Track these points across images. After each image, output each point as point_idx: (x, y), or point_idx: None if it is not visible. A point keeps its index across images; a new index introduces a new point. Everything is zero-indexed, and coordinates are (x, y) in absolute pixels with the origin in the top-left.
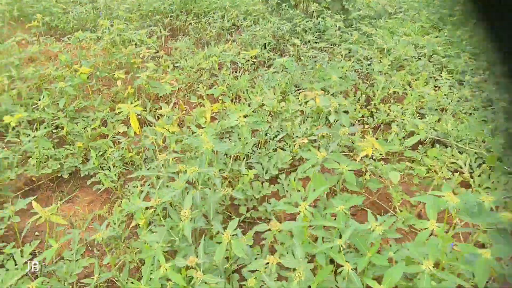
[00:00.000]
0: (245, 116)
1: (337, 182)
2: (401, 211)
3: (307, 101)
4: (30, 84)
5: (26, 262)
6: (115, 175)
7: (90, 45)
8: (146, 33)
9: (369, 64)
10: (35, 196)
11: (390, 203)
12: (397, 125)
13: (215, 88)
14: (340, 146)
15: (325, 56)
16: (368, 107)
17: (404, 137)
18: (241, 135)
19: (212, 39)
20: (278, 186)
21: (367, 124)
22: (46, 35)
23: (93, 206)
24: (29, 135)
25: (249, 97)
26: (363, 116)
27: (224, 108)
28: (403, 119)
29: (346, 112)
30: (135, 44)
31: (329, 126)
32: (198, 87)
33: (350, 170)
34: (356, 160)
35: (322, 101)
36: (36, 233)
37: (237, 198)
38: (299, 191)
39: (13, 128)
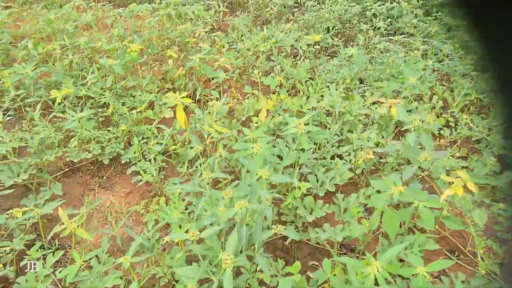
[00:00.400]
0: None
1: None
2: (483, 259)
3: (374, 103)
4: (82, 55)
5: (47, 275)
6: (155, 169)
7: (145, 16)
8: (203, 7)
9: (449, 62)
10: (73, 179)
11: (465, 239)
12: (487, 147)
13: (272, 78)
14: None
15: (400, 50)
16: (444, 115)
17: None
18: (298, 145)
19: (272, 17)
20: (334, 208)
21: (442, 137)
22: (104, 1)
23: (130, 198)
24: (73, 115)
25: (307, 89)
26: (440, 130)
27: (279, 101)
28: (489, 136)
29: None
30: (191, 19)
31: (399, 133)
32: (252, 72)
33: (428, 207)
34: (436, 191)
35: (401, 114)
36: None
37: (289, 236)
38: (360, 219)
39: (60, 103)
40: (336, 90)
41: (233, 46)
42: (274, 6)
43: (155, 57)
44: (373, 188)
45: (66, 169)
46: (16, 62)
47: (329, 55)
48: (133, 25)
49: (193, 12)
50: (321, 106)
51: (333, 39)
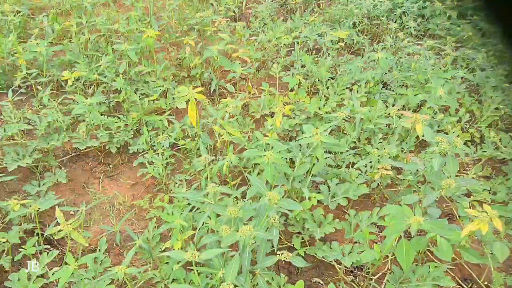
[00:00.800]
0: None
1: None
2: None
3: (398, 108)
4: (99, 35)
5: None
6: (162, 164)
7: None
8: None
9: (481, 72)
10: (79, 165)
11: (480, 268)
12: None
13: (291, 76)
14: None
15: (429, 55)
16: (470, 130)
17: None
18: (312, 156)
19: (297, 7)
20: (345, 224)
21: (466, 154)
22: None
23: (135, 190)
24: (83, 101)
25: (327, 90)
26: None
27: (297, 100)
28: None
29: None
30: (211, 4)
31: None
32: (272, 66)
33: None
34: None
35: (427, 134)
36: (72, 212)
37: (296, 265)
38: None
39: (71, 85)
40: (357, 92)
41: (253, 37)
42: None
43: (173, 41)
44: (389, 212)
45: (73, 154)
46: (33, 32)
47: (353, 53)
48: (152, 8)
49: None
50: (339, 116)
51: (358, 36)
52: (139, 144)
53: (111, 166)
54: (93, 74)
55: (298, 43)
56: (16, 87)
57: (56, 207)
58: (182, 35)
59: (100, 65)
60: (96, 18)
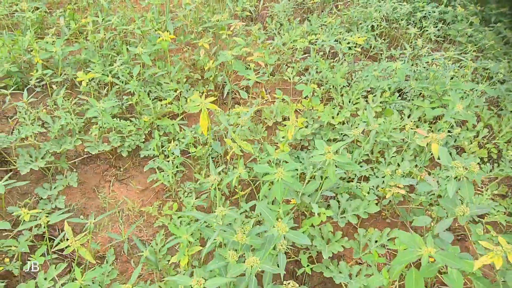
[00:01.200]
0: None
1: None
2: None
3: (413, 120)
4: (114, 33)
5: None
6: (172, 172)
7: None
8: None
9: (502, 83)
10: (91, 168)
11: None
12: None
13: (305, 84)
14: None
15: (448, 66)
16: (488, 145)
17: None
18: (324, 173)
19: (315, 7)
20: (353, 243)
21: (481, 169)
22: None
23: (144, 196)
24: (95, 105)
25: (341, 98)
26: (480, 161)
27: (310, 108)
28: None
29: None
30: (227, 4)
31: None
32: (286, 70)
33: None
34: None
35: (443, 156)
36: (81, 216)
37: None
38: (380, 265)
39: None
40: (372, 102)
41: (268, 40)
42: None
43: (188, 41)
44: (400, 239)
45: (85, 156)
46: (49, 32)
47: (369, 58)
48: (168, 8)
49: None
50: (354, 134)
51: (376, 40)
52: (149, 149)
53: (122, 169)
54: (107, 76)
55: (314, 49)
56: (31, 86)
57: (65, 221)
58: (197, 37)
59: (114, 67)
60: (112, 17)
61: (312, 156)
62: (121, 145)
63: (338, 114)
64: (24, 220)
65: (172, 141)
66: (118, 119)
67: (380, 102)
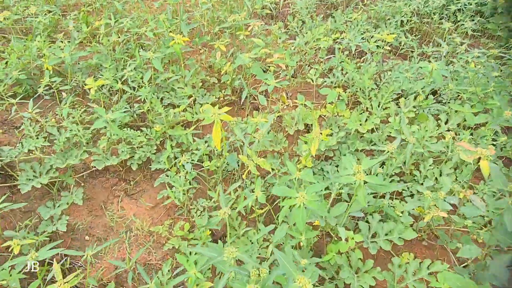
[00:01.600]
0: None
1: None
2: None
3: (450, 128)
4: (127, 37)
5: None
6: (183, 190)
7: None
8: None
9: None
10: (99, 181)
11: None
12: None
13: (330, 88)
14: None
15: (493, 66)
16: None
17: None
18: (353, 196)
19: (340, 2)
20: (387, 275)
21: None
22: None
23: (155, 213)
24: (102, 116)
25: (369, 102)
26: None
27: (334, 114)
28: None
29: None
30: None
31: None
32: (309, 71)
33: None
34: None
35: (495, 176)
36: (86, 237)
37: None
38: None
39: (94, 94)
40: (404, 106)
41: (290, 40)
42: None
43: (205, 42)
44: (445, 279)
45: (94, 169)
46: (58, 36)
47: (399, 56)
48: (182, 10)
49: None
50: (388, 150)
51: (406, 37)
52: (161, 161)
53: (132, 183)
54: (117, 83)
55: (339, 48)
56: (41, 93)
57: (54, 260)
58: (214, 38)
59: (125, 73)
60: (125, 20)
61: (340, 176)
62: (131, 157)
63: (366, 120)
64: (14, 253)
65: (184, 153)
66: (128, 128)
67: (413, 107)
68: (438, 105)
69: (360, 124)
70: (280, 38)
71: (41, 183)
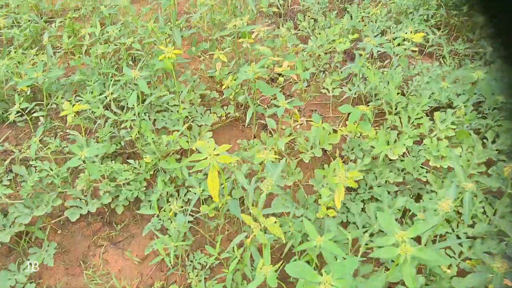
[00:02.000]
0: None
1: None
2: None
3: (498, 148)
4: (114, 48)
5: None
6: (175, 248)
7: None
8: None
9: None
10: (79, 228)
11: None
12: None
13: (351, 105)
14: None
15: None
16: None
17: None
18: (393, 264)
19: None
20: None
21: None
22: None
23: (144, 268)
24: (78, 154)
25: (397, 116)
26: None
27: (357, 135)
28: None
29: None
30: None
31: None
32: (324, 80)
33: None
34: None
35: None
36: None
37: None
38: None
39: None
40: (440, 123)
41: (301, 44)
42: None
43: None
44: None
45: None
46: (31, 52)
47: (426, 56)
48: (175, 16)
49: None
50: (443, 209)
51: (434, 33)
52: (151, 202)
53: (118, 227)
54: (99, 108)
55: (360, 55)
56: (11, 122)
57: None
58: (214, 43)
59: (106, 95)
60: (111, 28)
61: (378, 248)
62: (116, 197)
63: (395, 141)
64: None
65: (179, 191)
66: (114, 160)
67: (451, 123)
68: (481, 120)
69: (388, 144)
70: (289, 42)
71: (1, 242)
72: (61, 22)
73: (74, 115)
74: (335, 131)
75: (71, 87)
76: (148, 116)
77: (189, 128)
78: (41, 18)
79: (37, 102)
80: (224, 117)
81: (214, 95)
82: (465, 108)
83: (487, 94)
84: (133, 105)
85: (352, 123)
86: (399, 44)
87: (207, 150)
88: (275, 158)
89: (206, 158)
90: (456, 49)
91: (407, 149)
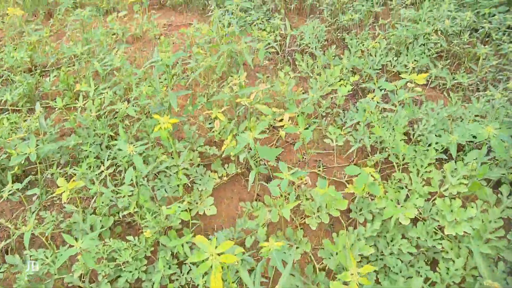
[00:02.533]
0: None
1: None
2: None
3: None
4: (109, 110)
5: None
6: None
7: (197, 37)
8: (265, 14)
9: None
10: None
11: None
12: None
13: (358, 165)
14: None
15: None
16: None
17: None
18: None
19: (352, 25)
20: None
21: None
22: (152, 5)
23: None
24: (72, 244)
25: (406, 167)
26: None
27: (365, 195)
28: None
29: None
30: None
31: None
32: (327, 128)
33: None
34: None
35: None
36: None
37: None
38: None
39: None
40: (452, 176)
41: (301, 81)
42: (356, 13)
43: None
44: None
45: None
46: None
47: (430, 90)
48: (170, 78)
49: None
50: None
51: (435, 66)
52: (152, 281)
53: None
54: (93, 185)
55: (364, 110)
56: (4, 199)
57: None
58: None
59: (100, 171)
60: (104, 86)
61: None
62: (116, 279)
63: (406, 200)
64: None
65: (179, 274)
66: (112, 237)
67: (463, 177)
68: (496, 170)
69: (398, 203)
70: (289, 86)
71: None
72: (55, 76)
73: (68, 195)
74: (341, 186)
75: (67, 151)
76: (147, 179)
77: (189, 191)
78: (36, 70)
79: (32, 168)
80: (225, 177)
81: (214, 151)
82: (477, 164)
83: (501, 153)
84: (130, 180)
85: (360, 187)
86: (403, 86)
87: (208, 248)
88: (281, 246)
89: (208, 258)
90: (462, 82)
91: (419, 210)
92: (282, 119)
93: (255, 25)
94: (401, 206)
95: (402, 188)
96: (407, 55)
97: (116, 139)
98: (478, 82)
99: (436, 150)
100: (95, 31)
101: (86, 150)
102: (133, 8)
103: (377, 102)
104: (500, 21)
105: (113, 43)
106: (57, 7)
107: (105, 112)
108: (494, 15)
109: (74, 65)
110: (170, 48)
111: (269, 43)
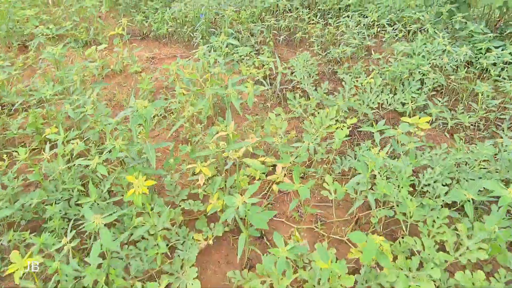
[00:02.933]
0: None
1: None
2: None
3: None
4: (79, 155)
5: None
6: None
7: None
8: (253, 47)
9: None
10: None
11: None
12: None
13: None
14: None
15: None
16: None
17: None
18: None
19: (344, 59)
20: None
21: None
22: (134, 37)
23: None
24: None
25: (417, 233)
26: None
27: (372, 264)
28: None
29: None
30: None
31: None
32: (324, 178)
33: None
34: None
35: None
36: None
37: None
38: None
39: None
40: (468, 239)
41: (294, 119)
42: (347, 46)
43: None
44: None
45: None
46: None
47: (431, 130)
48: (147, 131)
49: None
50: None
51: (435, 104)
52: None
53: None
54: (53, 262)
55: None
56: None
57: None
58: (194, 149)
59: (62, 245)
60: (73, 135)
61: None
62: None
63: (418, 269)
64: None
65: None
66: None
67: (482, 241)
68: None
69: (410, 271)
70: (281, 129)
71: None
72: (23, 118)
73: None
74: (343, 246)
75: (30, 209)
76: (120, 247)
77: (170, 257)
78: (3, 109)
79: None
80: (211, 240)
81: (199, 206)
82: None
83: (504, 263)
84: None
85: (368, 259)
86: (405, 130)
87: None
88: None
89: None
90: (463, 122)
91: (435, 283)
92: (274, 167)
93: (243, 60)
94: (413, 278)
95: (414, 254)
96: (403, 92)
97: (87, 194)
98: (479, 120)
99: (447, 204)
100: (71, 67)
101: (51, 210)
102: (113, 41)
103: (383, 158)
104: (498, 56)
105: (90, 81)
106: (32, 40)
107: (74, 164)
108: (489, 49)
109: (44, 107)
110: (151, 86)
111: (258, 79)
